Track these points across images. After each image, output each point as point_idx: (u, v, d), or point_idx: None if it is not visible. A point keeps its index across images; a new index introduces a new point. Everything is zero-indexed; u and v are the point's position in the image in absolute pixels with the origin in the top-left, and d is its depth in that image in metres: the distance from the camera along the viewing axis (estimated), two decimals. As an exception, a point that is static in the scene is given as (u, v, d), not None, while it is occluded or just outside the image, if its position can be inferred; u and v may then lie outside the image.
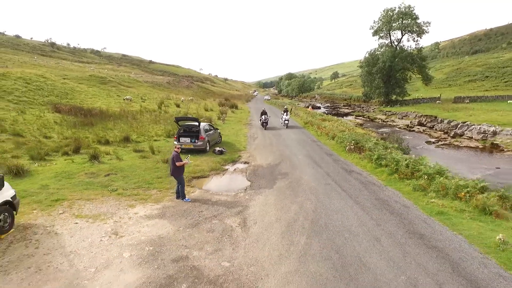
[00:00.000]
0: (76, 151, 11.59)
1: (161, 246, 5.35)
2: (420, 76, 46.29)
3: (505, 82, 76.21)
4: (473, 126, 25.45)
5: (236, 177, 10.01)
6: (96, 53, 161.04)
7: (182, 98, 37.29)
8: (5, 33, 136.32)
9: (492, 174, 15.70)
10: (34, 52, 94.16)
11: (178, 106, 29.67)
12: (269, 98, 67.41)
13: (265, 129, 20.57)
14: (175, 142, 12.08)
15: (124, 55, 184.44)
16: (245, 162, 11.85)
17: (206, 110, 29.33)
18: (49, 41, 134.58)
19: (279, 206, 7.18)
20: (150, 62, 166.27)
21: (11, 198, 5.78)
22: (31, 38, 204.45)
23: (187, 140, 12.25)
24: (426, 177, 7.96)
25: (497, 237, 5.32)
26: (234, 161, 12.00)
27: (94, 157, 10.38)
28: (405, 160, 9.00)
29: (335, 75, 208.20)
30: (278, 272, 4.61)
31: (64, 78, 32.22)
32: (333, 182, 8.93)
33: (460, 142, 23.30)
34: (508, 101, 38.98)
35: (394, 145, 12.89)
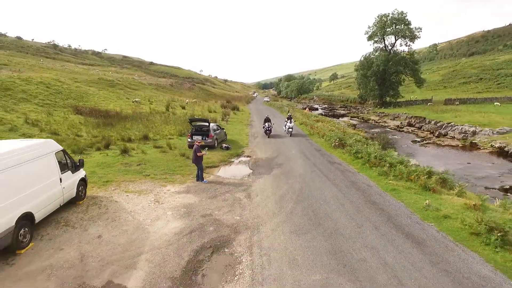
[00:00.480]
0: (107, 146, 13.98)
1: (191, 209, 7.75)
2: (413, 79, 48.70)
3: (498, 84, 78.37)
4: (456, 127, 27.89)
5: (241, 166, 12.42)
6: (98, 54, 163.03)
7: (187, 100, 39.77)
8: (7, 34, 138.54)
9: (462, 168, 18.14)
10: (38, 54, 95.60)
11: (183, 108, 32.12)
12: (268, 100, 69.86)
13: (268, 137, 19.57)
14: (189, 140, 14.51)
15: (124, 57, 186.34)
16: (248, 156, 14.26)
17: (210, 111, 31.81)
18: (52, 43, 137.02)
19: (274, 186, 9.58)
20: (151, 63, 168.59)
21: (84, 176, 8.19)
22: (32, 39, 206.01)
23: (199, 137, 14.64)
24: (388, 165, 10.36)
25: (425, 203, 7.72)
26: (238, 155, 14.41)
27: (125, 151, 12.78)
28: (375, 152, 11.41)
29: (334, 76, 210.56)
30: (272, 222, 7.00)
31: (75, 82, 34.61)
32: (317, 170, 11.33)
33: (443, 141, 25.73)
34: (495, 103, 41.42)
35: (374, 142, 15.31)
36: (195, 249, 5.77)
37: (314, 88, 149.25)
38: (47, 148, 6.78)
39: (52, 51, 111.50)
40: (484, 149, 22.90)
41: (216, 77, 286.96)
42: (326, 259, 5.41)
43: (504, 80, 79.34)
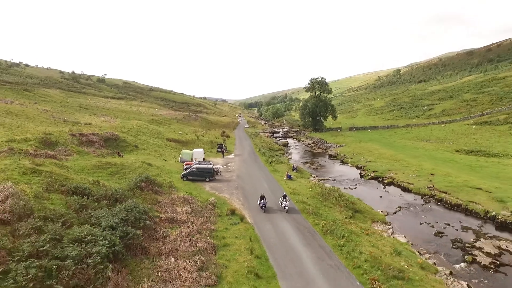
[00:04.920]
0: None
1: (223, 165, 44.30)
2: (331, 115, 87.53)
3: (406, 113, 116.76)
4: (328, 144, 65.87)
5: (231, 156, 49.03)
6: (102, 81, 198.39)
7: (203, 131, 76.45)
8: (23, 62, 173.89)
9: (309, 160, 55.47)
10: (67, 89, 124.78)
11: (203, 136, 68.62)
12: (247, 126, 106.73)
13: (264, 212, 22.65)
14: (219, 149, 51.19)
15: (125, 82, 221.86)
16: (234, 153, 50.90)
17: (217, 138, 68.50)
18: (73, 74, 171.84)
19: (241, 162, 46.16)
20: (150, 89, 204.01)
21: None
22: (36, 65, 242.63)
23: (220, 149, 51.13)
24: (275, 161, 47.07)
25: (284, 178, 44.55)
26: (231, 153, 51.01)
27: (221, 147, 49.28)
28: (273, 156, 48.08)
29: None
30: (244, 172, 43.66)
31: (145, 122, 70.37)
32: (255, 162, 47.99)
33: (315, 149, 63.46)
34: (368, 130, 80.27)
35: (280, 151, 52.57)
36: (225, 163, 42.30)
37: (293, 108, 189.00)
38: (201, 149, 43.23)
39: (78, 85, 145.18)
40: (326, 154, 60.52)
41: (205, 97, 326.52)
42: (252, 175, 42.18)
43: (413, 111, 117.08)
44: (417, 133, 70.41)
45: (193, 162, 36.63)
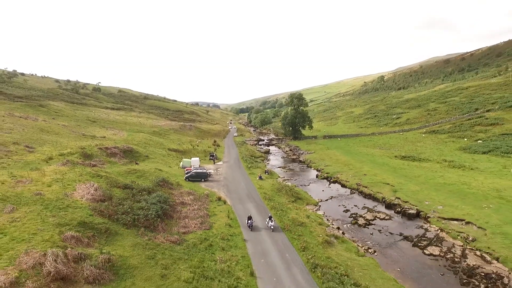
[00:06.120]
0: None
1: (214, 169, 58.63)
2: (308, 125, 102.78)
3: (378, 121, 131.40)
4: (302, 151, 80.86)
5: (220, 162, 63.36)
6: (98, 90, 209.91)
7: (197, 141, 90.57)
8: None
9: (282, 164, 70.27)
10: (70, 101, 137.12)
11: (197, 146, 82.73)
12: (236, 135, 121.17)
13: (251, 230, 27.72)
14: (211, 157, 65.50)
15: (120, 91, 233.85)
16: (222, 160, 65.23)
17: (209, 147, 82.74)
18: (68, 82, 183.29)
19: (228, 167, 60.50)
20: (145, 98, 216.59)
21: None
22: (31, 74, 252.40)
23: (211, 157, 65.37)
24: (253, 166, 61.50)
25: (257, 179, 59.15)
26: (220, 160, 65.35)
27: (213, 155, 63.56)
28: (253, 162, 62.52)
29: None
30: (229, 175, 58.05)
31: (147, 133, 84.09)
32: (238, 167, 62.38)
33: (291, 156, 78.36)
34: (338, 138, 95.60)
35: (260, 158, 67.21)
36: (215, 168, 56.63)
37: (281, 115, 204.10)
38: (197, 158, 57.49)
39: (78, 96, 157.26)
40: (298, 159, 75.40)
41: (197, 103, 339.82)
42: (235, 177, 56.65)
43: (384, 119, 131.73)
44: (376, 141, 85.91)
45: (192, 168, 50.80)
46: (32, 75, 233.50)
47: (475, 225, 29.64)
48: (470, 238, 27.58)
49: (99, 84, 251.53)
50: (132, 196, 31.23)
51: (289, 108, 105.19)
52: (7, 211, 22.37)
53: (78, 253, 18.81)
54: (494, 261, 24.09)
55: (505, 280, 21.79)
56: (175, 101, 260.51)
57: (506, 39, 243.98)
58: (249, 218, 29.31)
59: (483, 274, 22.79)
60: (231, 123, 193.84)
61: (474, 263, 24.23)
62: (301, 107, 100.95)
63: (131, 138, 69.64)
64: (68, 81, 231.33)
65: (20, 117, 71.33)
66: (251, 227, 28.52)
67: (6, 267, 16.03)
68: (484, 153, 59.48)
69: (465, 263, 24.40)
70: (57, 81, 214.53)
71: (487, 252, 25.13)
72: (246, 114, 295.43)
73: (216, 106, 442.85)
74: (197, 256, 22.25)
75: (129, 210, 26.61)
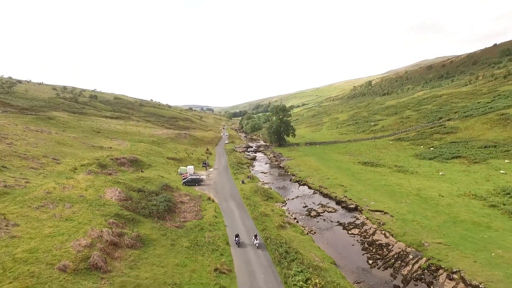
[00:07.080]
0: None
1: (206, 175, 71.13)
2: (291, 134, 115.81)
3: (357, 128, 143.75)
4: (284, 158, 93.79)
5: (212, 169, 75.84)
6: (94, 98, 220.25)
7: (192, 149, 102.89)
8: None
9: (267, 169, 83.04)
10: (71, 111, 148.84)
11: (192, 154, 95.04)
12: (227, 142, 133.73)
13: (238, 247, 31.80)
14: (203, 164, 77.98)
15: (115, 98, 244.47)
16: (213, 167, 77.71)
17: (202, 155, 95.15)
18: (65, 89, 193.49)
19: (217, 173, 73.01)
20: (140, 105, 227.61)
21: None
22: (27, 81, 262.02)
23: (204, 165, 77.77)
24: (239, 172, 74.09)
25: (240, 183, 71.75)
26: (212, 167, 77.84)
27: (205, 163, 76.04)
28: (239, 169, 75.02)
29: (290, 108, 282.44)
30: (218, 180, 70.57)
31: (146, 143, 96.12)
32: (226, 173, 74.89)
33: (273, 162, 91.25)
34: (317, 146, 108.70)
35: (246, 164, 79.94)
36: (207, 174, 69.10)
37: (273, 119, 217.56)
38: (192, 166, 69.92)
39: (78, 105, 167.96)
40: (279, 165, 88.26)
41: (191, 108, 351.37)
42: (222, 181, 69.25)
43: (363, 126, 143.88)
44: (349, 148, 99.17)
45: (188, 175, 63.18)
46: (28, 82, 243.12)
47: (389, 214, 42.67)
48: (382, 223, 40.56)
49: (95, 91, 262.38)
50: (145, 197, 43.62)
51: (274, 117, 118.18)
52: (68, 207, 34.63)
53: (119, 231, 31.26)
54: (390, 237, 37.04)
55: (390, 247, 34.71)
56: (170, 107, 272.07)
57: (498, 42, 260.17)
58: (237, 235, 33.34)
59: (378, 243, 35.72)
60: (224, 128, 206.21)
61: (377, 238, 37.16)
62: (285, 118, 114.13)
63: (135, 148, 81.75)
64: (65, 87, 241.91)
65: (37, 131, 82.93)
66: (238, 243, 32.65)
67: (84, 237, 28.40)
68: (430, 159, 72.77)
69: (370, 238, 37.34)
70: (54, 88, 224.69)
71: (388, 231, 38.08)
72: (239, 118, 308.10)
73: (210, 109, 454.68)
74: (193, 235, 34.80)
75: (145, 206, 39.06)
